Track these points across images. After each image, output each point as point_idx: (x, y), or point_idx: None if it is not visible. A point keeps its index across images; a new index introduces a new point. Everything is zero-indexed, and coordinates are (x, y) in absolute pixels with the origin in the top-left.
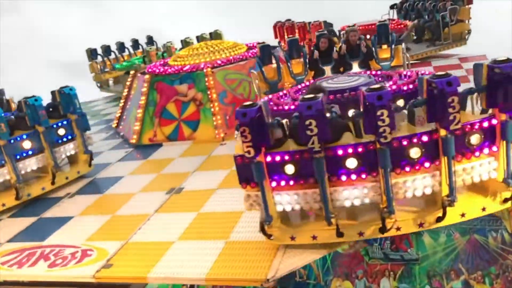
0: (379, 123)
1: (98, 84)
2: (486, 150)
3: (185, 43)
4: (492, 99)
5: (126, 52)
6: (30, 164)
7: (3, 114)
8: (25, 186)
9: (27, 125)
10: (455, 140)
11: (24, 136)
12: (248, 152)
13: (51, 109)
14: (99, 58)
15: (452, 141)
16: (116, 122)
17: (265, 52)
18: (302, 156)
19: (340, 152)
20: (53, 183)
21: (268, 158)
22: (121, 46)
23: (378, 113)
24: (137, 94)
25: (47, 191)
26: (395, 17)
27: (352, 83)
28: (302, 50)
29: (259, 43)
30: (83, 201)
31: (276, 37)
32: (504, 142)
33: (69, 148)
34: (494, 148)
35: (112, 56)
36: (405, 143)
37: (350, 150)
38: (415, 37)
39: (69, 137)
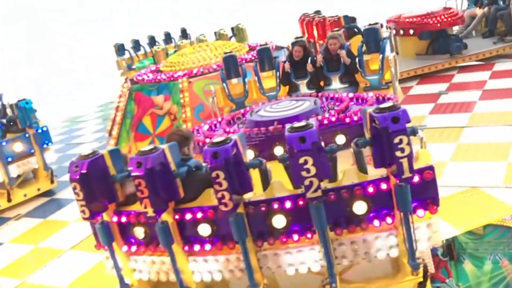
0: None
1: None
2: (376, 222)
3: (219, 35)
4: (377, 157)
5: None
6: None
7: None
8: None
9: None
10: (334, 206)
11: None
12: (83, 211)
13: (11, 123)
14: (127, 54)
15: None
16: (108, 132)
17: (230, 63)
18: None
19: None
20: (9, 200)
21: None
22: (151, 40)
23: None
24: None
25: (2, 209)
26: (454, 4)
27: (288, 111)
28: (274, 61)
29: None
30: (25, 225)
31: (303, 33)
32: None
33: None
34: (389, 220)
35: (142, 51)
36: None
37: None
38: (485, 30)
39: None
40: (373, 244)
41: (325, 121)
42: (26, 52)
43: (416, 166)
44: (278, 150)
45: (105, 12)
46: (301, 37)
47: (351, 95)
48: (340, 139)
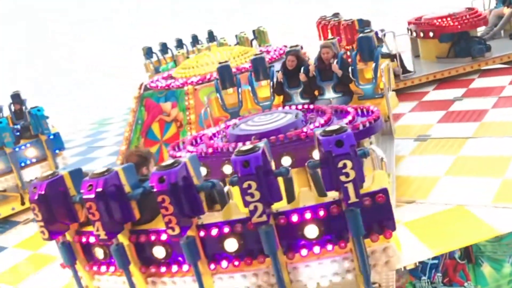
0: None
1: None
2: (329, 246)
3: (240, 38)
4: (326, 181)
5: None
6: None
7: None
8: None
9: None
10: (285, 230)
11: None
12: (42, 232)
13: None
14: (155, 57)
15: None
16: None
17: (224, 73)
18: None
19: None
20: (22, 203)
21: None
22: (178, 43)
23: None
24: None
25: (16, 211)
26: (480, 4)
27: (269, 125)
28: (270, 70)
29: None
30: (31, 230)
31: (320, 36)
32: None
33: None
34: (342, 244)
35: (169, 54)
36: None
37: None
38: None
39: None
40: (328, 268)
41: (302, 135)
42: (26, 52)
43: (370, 188)
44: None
45: (105, 12)
46: (296, 45)
47: (343, 106)
48: (317, 153)
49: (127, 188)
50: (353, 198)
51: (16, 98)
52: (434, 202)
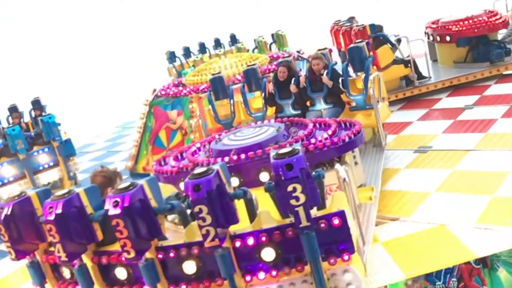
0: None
1: None
2: (286, 269)
3: (258, 43)
4: (280, 203)
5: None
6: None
7: None
8: None
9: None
10: (243, 253)
11: None
12: (10, 252)
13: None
14: (178, 61)
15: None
16: None
17: (217, 85)
18: None
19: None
20: None
21: None
22: (201, 47)
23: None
24: None
25: None
26: (501, 6)
27: (250, 139)
28: (262, 81)
29: (284, 56)
30: None
31: (333, 42)
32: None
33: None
34: (299, 267)
35: (192, 58)
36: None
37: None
38: None
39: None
40: None
41: None
42: (53, 52)
43: (328, 210)
44: (233, 181)
45: (131, 14)
46: (288, 56)
47: (325, 119)
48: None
49: (89, 210)
50: (304, 222)
51: (37, 104)
52: (417, 221)
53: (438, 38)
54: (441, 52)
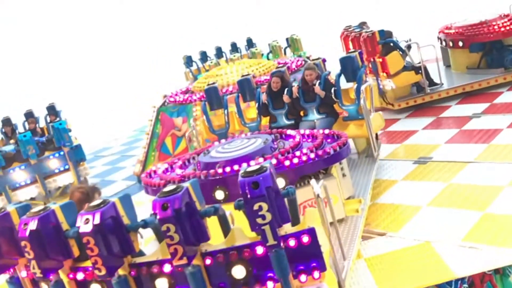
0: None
1: None
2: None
3: (273, 47)
4: (250, 221)
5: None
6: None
7: None
8: None
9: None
10: (214, 270)
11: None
12: None
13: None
14: (194, 66)
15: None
16: None
17: (212, 95)
18: None
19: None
20: None
21: None
22: (218, 51)
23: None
24: None
25: None
26: None
27: (237, 152)
28: (256, 91)
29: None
30: None
31: (343, 48)
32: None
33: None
34: (270, 284)
35: (208, 62)
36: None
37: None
38: None
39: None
40: None
41: None
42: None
43: (301, 226)
44: (219, 194)
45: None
46: (282, 66)
47: (307, 131)
48: (280, 182)
49: (64, 226)
50: (271, 241)
51: (52, 109)
52: (404, 237)
53: (451, 43)
54: (454, 58)
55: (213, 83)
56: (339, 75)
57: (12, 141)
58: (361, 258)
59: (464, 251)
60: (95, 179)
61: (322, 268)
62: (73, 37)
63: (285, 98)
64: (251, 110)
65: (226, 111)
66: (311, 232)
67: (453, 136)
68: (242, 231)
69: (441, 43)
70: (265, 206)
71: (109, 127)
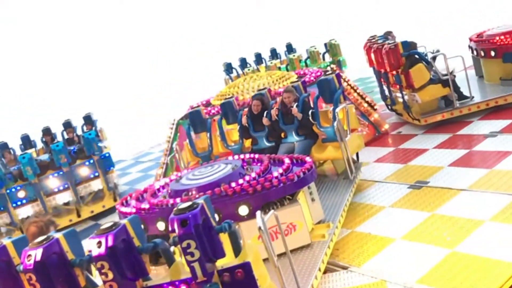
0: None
1: None
2: None
3: (311, 53)
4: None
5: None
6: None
7: None
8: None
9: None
10: None
11: None
12: None
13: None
14: (234, 72)
15: None
16: None
17: (196, 118)
18: None
19: None
20: (78, 216)
21: None
22: (257, 57)
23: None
24: None
25: (73, 223)
26: None
27: (205, 179)
28: (238, 114)
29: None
30: None
31: (367, 60)
32: None
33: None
34: None
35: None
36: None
37: None
38: None
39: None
40: None
41: (230, 191)
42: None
43: (238, 260)
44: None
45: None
46: (263, 88)
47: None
48: (243, 210)
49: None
50: (200, 277)
51: (88, 119)
52: (363, 273)
53: (482, 53)
54: (486, 68)
55: (197, 106)
56: (317, 97)
57: None
58: None
59: None
60: (124, 187)
61: None
62: (73, 37)
63: (265, 121)
64: (234, 133)
65: (209, 134)
66: (246, 267)
67: (460, 157)
68: (184, 264)
69: (472, 53)
70: (193, 243)
71: (150, 133)
